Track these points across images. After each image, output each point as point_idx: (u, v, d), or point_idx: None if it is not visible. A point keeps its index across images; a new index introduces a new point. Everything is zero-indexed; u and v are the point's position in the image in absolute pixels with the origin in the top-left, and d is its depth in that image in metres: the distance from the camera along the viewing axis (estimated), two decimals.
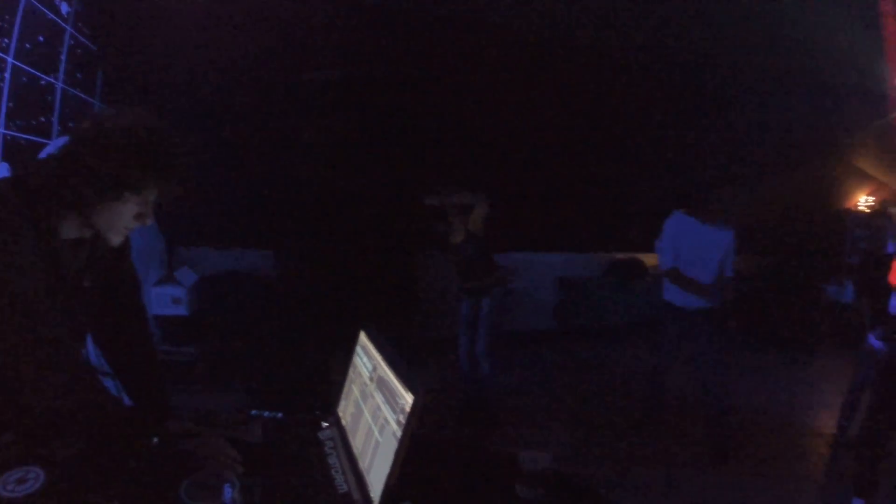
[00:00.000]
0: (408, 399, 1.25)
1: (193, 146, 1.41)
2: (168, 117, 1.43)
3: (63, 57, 4.06)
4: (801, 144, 6.82)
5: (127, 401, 1.64)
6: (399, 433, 1.24)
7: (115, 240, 1.43)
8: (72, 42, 4.15)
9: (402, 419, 1.24)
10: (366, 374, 1.60)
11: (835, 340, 6.43)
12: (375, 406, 1.44)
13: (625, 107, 5.62)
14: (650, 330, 6.69)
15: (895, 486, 2.93)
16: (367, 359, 1.62)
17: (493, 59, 4.78)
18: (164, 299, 4.75)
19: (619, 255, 7.06)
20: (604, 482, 3.43)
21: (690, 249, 3.93)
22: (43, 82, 3.90)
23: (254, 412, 1.80)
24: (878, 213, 6.98)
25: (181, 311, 4.74)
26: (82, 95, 4.36)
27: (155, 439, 1.40)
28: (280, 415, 1.80)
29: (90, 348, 1.71)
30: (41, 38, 3.77)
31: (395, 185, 4.73)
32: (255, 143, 4.60)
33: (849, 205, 7.90)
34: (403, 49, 4.61)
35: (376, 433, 1.39)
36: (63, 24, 4.03)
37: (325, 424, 1.74)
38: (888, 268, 3.30)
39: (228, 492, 1.19)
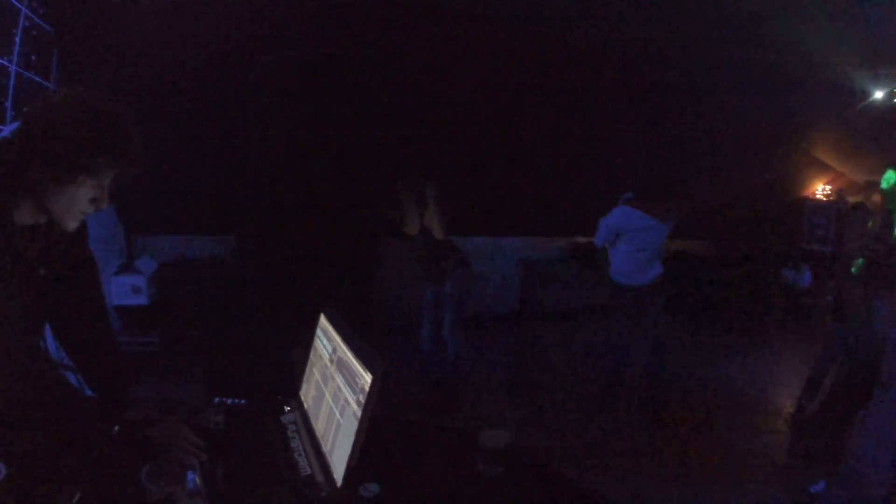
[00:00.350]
0: (367, 378, 1.25)
1: (150, 129, 1.38)
2: (125, 101, 1.40)
3: (17, 38, 3.92)
4: (763, 135, 6.99)
5: (88, 392, 1.61)
6: (359, 413, 1.25)
7: (71, 225, 1.39)
8: (26, 23, 4.00)
9: (362, 399, 1.25)
10: (326, 356, 1.60)
11: (790, 323, 6.63)
12: (336, 388, 1.44)
13: (587, 94, 5.67)
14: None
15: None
16: (328, 341, 1.62)
17: (456, 42, 4.76)
18: (124, 289, 4.66)
19: (581, 239, 7.17)
20: (563, 459, 3.50)
21: (630, 240, 4.21)
22: None
23: (216, 400, 1.79)
24: (855, 204, 7.23)
25: (141, 300, 4.65)
26: (37, 79, 4.22)
27: (115, 428, 1.39)
28: (242, 401, 1.79)
29: (49, 339, 1.67)
30: None
31: (354, 170, 4.70)
32: (213, 126, 4.52)
33: (807, 193, 8.13)
34: (364, 31, 4.57)
35: (337, 415, 1.39)
36: (17, 4, 3.89)
37: (287, 409, 1.74)
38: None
39: (191, 477, 1.19)
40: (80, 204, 1.35)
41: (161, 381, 4.42)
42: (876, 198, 3.75)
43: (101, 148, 1.29)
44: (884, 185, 3.27)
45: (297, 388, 1.81)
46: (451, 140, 5.24)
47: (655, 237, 4.19)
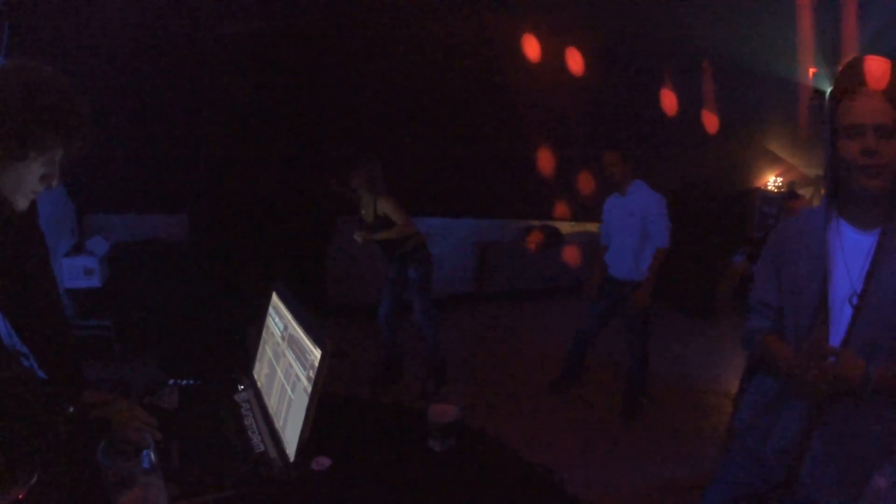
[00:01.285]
0: (316, 354, 1.27)
1: (102, 104, 1.35)
2: (76, 75, 1.36)
3: None
4: (718, 124, 7.16)
5: (41, 375, 1.59)
6: (310, 388, 1.27)
7: (22, 204, 1.33)
8: None
9: (312, 374, 1.27)
10: (278, 333, 1.61)
11: (738, 308, 6.87)
12: (287, 364, 1.46)
13: (543, 77, 5.71)
14: (566, 295, 6.98)
15: None
16: (279, 318, 1.64)
17: (413, 14, 4.72)
18: (76, 271, 4.53)
19: (535, 222, 7.26)
20: (516, 437, 3.58)
21: (614, 222, 4.19)
22: None
23: (171, 381, 1.79)
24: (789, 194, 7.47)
25: (94, 282, 4.53)
26: None
27: (70, 409, 1.37)
28: (197, 381, 1.80)
29: (0, 322, 1.63)
30: None
31: (308, 147, 4.65)
32: (165, 102, 4.41)
33: (758, 184, 8.37)
34: (317, 6, 4.49)
35: (289, 391, 1.41)
36: None
37: (241, 387, 1.75)
38: None
39: (146, 454, 1.19)
40: (31, 182, 1.30)
41: (115, 364, 4.36)
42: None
43: (52, 123, 1.25)
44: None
45: (250, 366, 1.82)
46: (406, 118, 5.22)
47: (620, 216, 4.12)
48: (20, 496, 1.11)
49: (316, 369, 1.26)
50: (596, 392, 4.59)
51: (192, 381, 1.79)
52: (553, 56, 5.54)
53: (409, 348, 4.65)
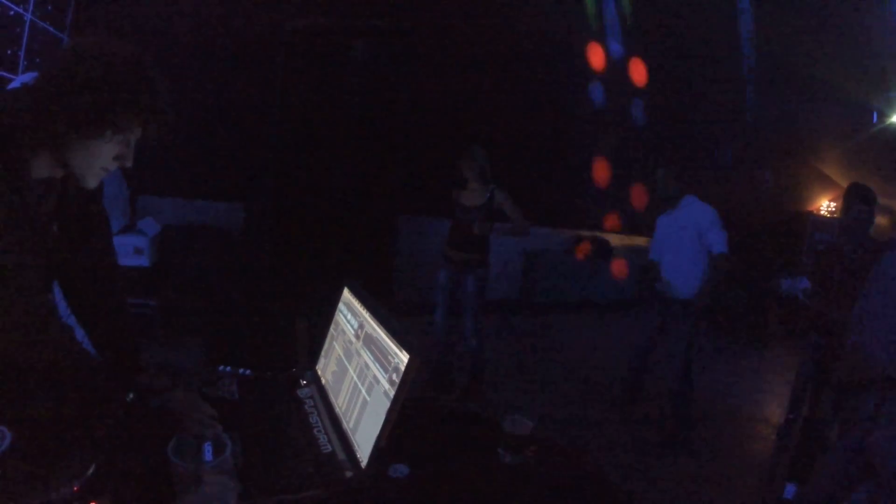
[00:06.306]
0: (402, 358, 1.22)
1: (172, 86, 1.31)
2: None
3: None
4: (772, 145, 6.98)
5: (94, 354, 1.55)
6: (392, 392, 1.22)
7: (92, 182, 1.31)
8: None
9: (396, 378, 1.22)
10: (350, 331, 1.57)
11: (787, 334, 6.67)
12: (363, 364, 1.41)
13: (607, 96, 5.65)
14: (616, 310, 6.85)
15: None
16: (352, 315, 1.59)
17: (485, 18, 4.66)
18: (126, 249, 4.59)
19: (584, 233, 7.14)
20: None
21: (667, 240, 4.05)
22: (11, 13, 3.68)
23: (221, 368, 1.75)
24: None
25: (143, 261, 4.59)
26: (51, 29, 4.14)
27: (130, 395, 1.33)
28: (249, 371, 1.75)
29: (58, 298, 1.61)
30: None
31: (377, 143, 4.61)
32: (231, 88, 4.42)
33: (811, 208, 8.13)
34: (394, 3, 4.47)
35: (363, 392, 1.36)
36: None
37: (303, 382, 1.72)
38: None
39: (209, 449, 1.13)
40: (103, 160, 1.27)
41: (157, 347, 4.39)
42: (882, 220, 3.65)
43: (132, 103, 1.21)
44: None
45: (306, 362, 1.78)
46: (468, 120, 5.17)
47: (672, 231, 4.00)
48: (75, 489, 1.05)
49: (401, 374, 1.21)
50: (646, 411, 4.48)
51: (248, 372, 1.76)
52: (613, 66, 5.47)
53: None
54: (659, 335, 4.20)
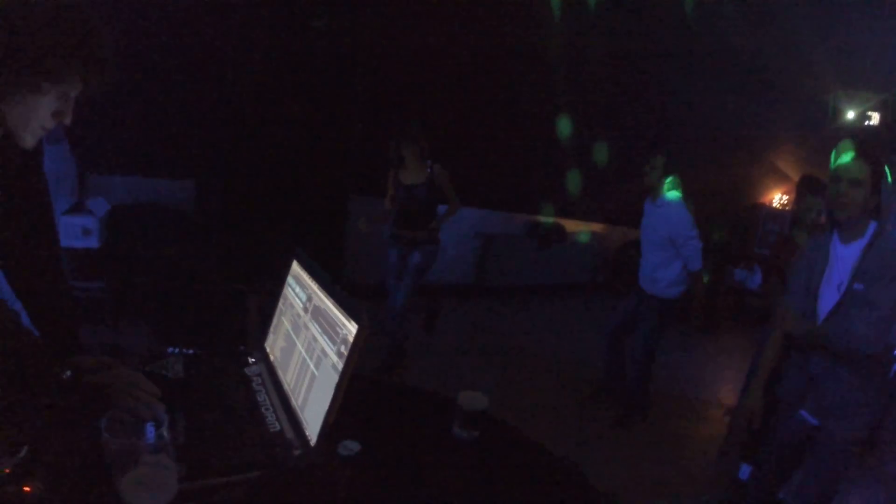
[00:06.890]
0: (351, 329, 1.18)
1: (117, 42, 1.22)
2: None
3: None
4: (727, 140, 7.12)
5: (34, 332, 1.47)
6: (340, 365, 1.18)
7: (29, 141, 1.20)
8: None
9: (345, 350, 1.18)
10: (299, 304, 1.52)
11: (739, 322, 6.84)
12: (311, 338, 1.37)
13: (570, 81, 5.66)
14: (567, 294, 6.92)
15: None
16: (301, 288, 1.54)
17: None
18: (74, 230, 4.40)
19: (540, 218, 7.18)
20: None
21: (644, 231, 4.10)
22: None
23: (170, 349, 1.68)
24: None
25: (92, 242, 4.41)
26: None
27: (67, 373, 1.26)
28: (195, 350, 1.68)
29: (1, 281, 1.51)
30: None
31: (330, 123, 4.53)
32: (182, 64, 4.26)
33: (763, 200, 8.33)
34: None
35: (312, 367, 1.32)
36: None
37: (251, 360, 1.66)
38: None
39: (150, 429, 1.07)
40: (41, 116, 1.17)
41: (106, 329, 4.24)
42: None
43: (71, 52, 1.12)
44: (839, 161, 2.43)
45: (256, 339, 1.72)
46: (425, 102, 5.12)
47: (648, 227, 4.03)
48: (6, 471, 1.01)
49: (349, 345, 1.17)
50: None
51: (195, 351, 1.70)
52: (575, 51, 5.48)
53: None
54: (632, 314, 4.21)
